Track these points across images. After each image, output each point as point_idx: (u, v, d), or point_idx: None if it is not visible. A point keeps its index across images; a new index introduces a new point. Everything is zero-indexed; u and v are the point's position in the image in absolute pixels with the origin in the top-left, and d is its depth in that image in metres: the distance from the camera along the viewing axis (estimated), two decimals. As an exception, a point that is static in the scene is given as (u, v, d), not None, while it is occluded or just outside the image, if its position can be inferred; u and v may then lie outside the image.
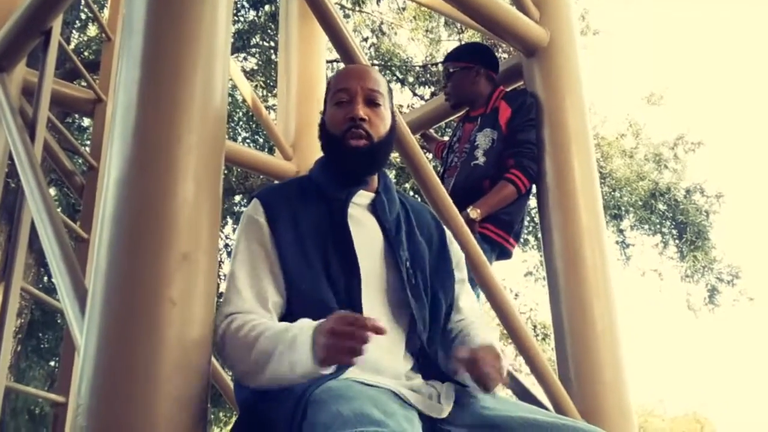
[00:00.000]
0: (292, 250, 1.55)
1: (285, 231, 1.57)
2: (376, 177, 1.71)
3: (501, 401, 1.54)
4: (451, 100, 3.13)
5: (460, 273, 1.77)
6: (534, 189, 2.90)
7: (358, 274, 1.55)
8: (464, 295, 1.76)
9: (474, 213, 2.66)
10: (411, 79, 9.87)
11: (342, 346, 1.26)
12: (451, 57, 3.14)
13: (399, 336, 1.60)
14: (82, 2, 7.94)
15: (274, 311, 1.52)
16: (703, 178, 11.81)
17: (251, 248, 1.55)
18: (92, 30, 9.41)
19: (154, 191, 1.43)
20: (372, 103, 1.66)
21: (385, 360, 1.54)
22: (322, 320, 1.33)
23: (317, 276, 1.53)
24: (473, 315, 1.73)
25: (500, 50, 9.20)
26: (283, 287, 1.54)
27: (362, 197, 1.66)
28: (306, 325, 1.36)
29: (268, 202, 1.61)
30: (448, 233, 1.81)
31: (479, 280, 2.37)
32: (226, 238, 10.01)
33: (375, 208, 1.66)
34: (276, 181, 4.10)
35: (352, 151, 1.61)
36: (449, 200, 2.28)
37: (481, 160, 2.82)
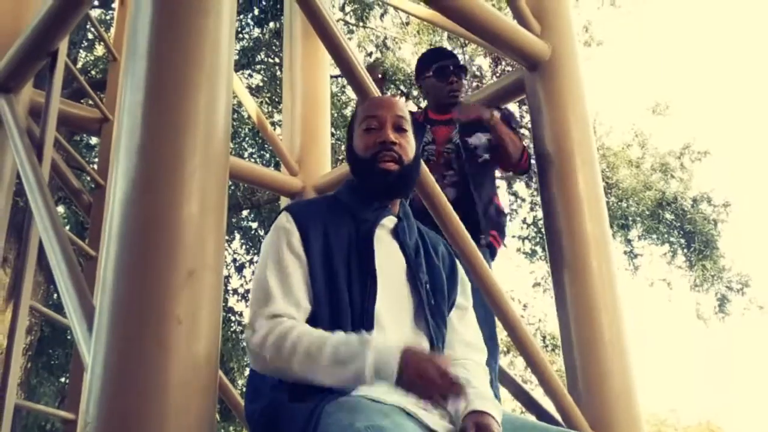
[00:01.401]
0: (319, 260, 1.59)
1: (315, 241, 1.61)
2: (398, 203, 1.75)
3: (512, 420, 1.54)
4: (460, 97, 3.09)
5: (465, 300, 1.80)
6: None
7: (374, 294, 1.58)
8: (464, 322, 1.78)
9: (496, 114, 2.88)
10: (415, 93, 9.90)
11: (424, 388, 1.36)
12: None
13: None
14: (89, 23, 8.02)
15: (302, 320, 1.55)
16: (710, 187, 11.74)
17: (283, 255, 1.59)
18: (99, 50, 9.49)
19: (160, 210, 1.44)
20: (400, 129, 1.73)
21: None
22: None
23: (338, 290, 1.57)
24: (471, 350, 1.74)
25: (504, 63, 9.23)
26: (311, 295, 1.57)
27: (387, 221, 1.72)
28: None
29: (298, 213, 1.66)
30: (459, 265, 1.85)
31: (486, 293, 2.37)
32: (234, 253, 10.03)
33: (397, 232, 1.71)
34: (282, 197, 4.12)
35: (383, 173, 1.67)
36: (452, 212, 2.29)
37: (486, 156, 2.95)
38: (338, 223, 1.66)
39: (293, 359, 1.44)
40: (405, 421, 1.34)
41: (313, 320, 1.55)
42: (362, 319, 1.54)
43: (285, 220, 1.64)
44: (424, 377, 1.36)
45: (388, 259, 1.65)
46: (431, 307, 1.66)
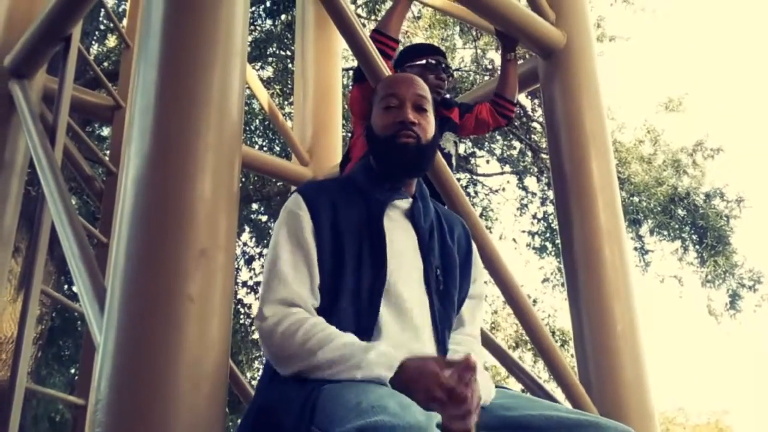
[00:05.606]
0: (329, 245, 1.57)
1: (325, 225, 1.59)
2: (414, 184, 1.74)
3: (520, 398, 1.54)
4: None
5: (479, 289, 1.78)
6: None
7: (383, 277, 1.56)
8: (477, 315, 1.77)
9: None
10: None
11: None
12: None
13: (428, 337, 1.60)
14: (102, 13, 8.04)
15: (312, 308, 1.53)
16: (723, 184, 11.61)
17: (293, 243, 1.57)
18: (111, 41, 9.52)
19: (172, 188, 1.43)
20: (420, 108, 1.71)
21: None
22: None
23: (347, 273, 1.55)
24: (471, 340, 1.73)
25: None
26: (318, 285, 1.55)
27: (401, 202, 1.69)
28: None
29: (310, 196, 1.63)
30: (474, 248, 1.82)
31: (499, 283, 2.36)
32: (244, 245, 10.04)
33: (412, 213, 1.69)
34: (292, 187, 4.12)
35: (401, 148, 1.65)
36: (466, 199, 2.28)
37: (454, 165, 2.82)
38: (350, 204, 1.64)
39: (302, 349, 1.42)
40: (411, 403, 1.32)
41: (321, 303, 1.54)
42: (370, 302, 1.52)
43: (296, 203, 1.62)
44: (420, 385, 1.33)
45: (401, 241, 1.63)
46: (439, 293, 1.64)
